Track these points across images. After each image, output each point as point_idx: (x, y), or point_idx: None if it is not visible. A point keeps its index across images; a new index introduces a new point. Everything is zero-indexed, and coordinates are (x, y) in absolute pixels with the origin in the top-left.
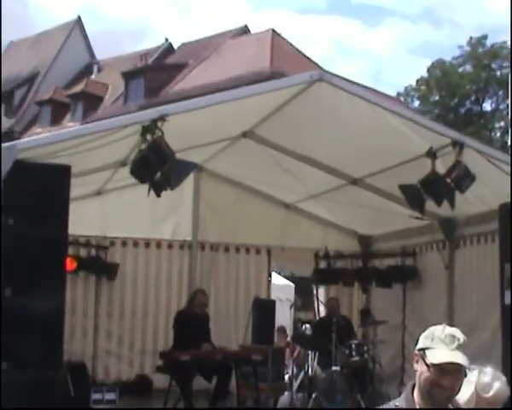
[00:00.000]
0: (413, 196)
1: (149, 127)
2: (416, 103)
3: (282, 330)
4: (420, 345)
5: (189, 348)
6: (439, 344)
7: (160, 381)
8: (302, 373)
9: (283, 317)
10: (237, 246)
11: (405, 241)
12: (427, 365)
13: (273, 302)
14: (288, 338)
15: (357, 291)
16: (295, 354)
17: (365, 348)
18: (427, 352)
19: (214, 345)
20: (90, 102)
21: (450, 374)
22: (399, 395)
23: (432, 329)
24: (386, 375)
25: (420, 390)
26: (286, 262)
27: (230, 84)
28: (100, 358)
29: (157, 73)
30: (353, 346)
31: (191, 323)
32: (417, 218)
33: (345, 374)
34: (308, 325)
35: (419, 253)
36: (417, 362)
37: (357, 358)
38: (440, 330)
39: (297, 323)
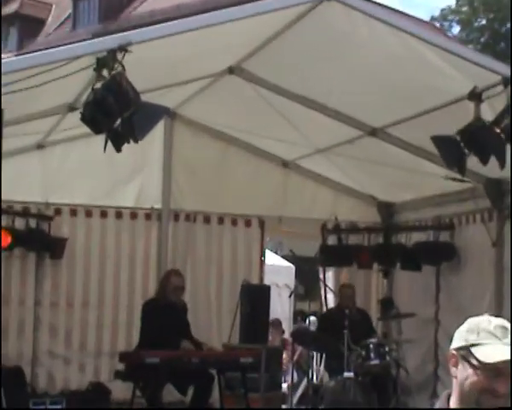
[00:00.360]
0: (450, 150)
1: (106, 60)
2: (456, 30)
3: (277, 323)
4: (460, 342)
5: (160, 347)
6: (489, 339)
7: (121, 390)
8: (305, 381)
9: (281, 308)
10: (221, 216)
11: (440, 210)
12: (473, 366)
13: (267, 289)
14: (286, 335)
15: (376, 275)
16: (296, 355)
17: (387, 348)
18: (472, 350)
19: (199, 342)
20: (28, 27)
21: (506, 376)
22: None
23: (474, 321)
24: (414, 383)
25: (462, 400)
26: (284, 237)
27: (211, 4)
28: (41, 361)
29: None
30: (371, 346)
31: (164, 314)
32: (455, 180)
33: (360, 382)
34: (313, 319)
35: (457, 225)
36: (456, 365)
37: (376, 361)
38: (486, 322)
39: (298, 316)
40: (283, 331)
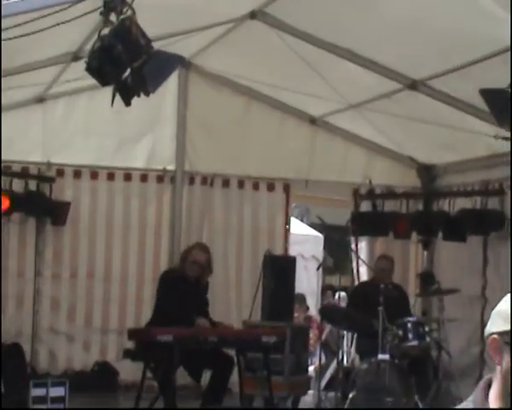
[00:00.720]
0: (501, 105)
1: (114, 3)
2: None
3: (301, 299)
4: (504, 325)
5: (175, 323)
6: None
7: (130, 371)
8: (334, 363)
9: (307, 282)
10: (241, 179)
11: (488, 173)
12: None
13: (293, 261)
14: (311, 311)
15: (415, 246)
16: (324, 335)
17: (426, 328)
18: None
19: (215, 323)
20: None
21: None
22: None
23: None
24: (457, 368)
25: (508, 394)
26: (311, 203)
27: None
28: (42, 338)
29: None
30: (409, 325)
31: (182, 288)
32: (507, 139)
33: (396, 365)
34: (343, 294)
35: (507, 190)
36: (498, 351)
37: (414, 342)
38: None
39: (327, 291)
40: (308, 308)
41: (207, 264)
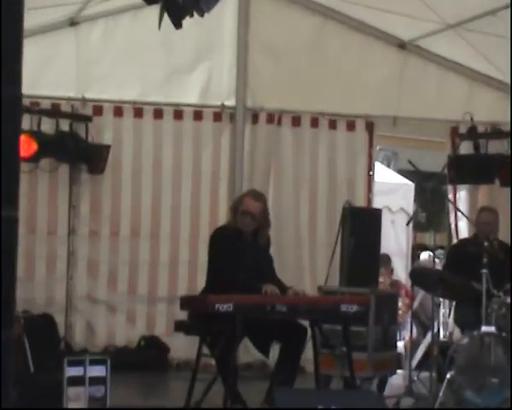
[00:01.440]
0: None
1: None
2: None
3: (386, 260)
4: None
5: (235, 290)
6: None
7: (182, 347)
8: (428, 337)
9: (395, 239)
10: (314, 116)
11: None
12: None
13: (378, 214)
14: (402, 276)
15: None
16: (416, 303)
17: None
18: None
19: (285, 286)
20: None
21: None
22: None
23: None
24: None
25: None
26: (400, 146)
27: None
28: (78, 308)
29: None
30: None
31: (240, 247)
32: None
33: (504, 339)
34: (438, 253)
35: None
36: None
37: None
38: None
39: (418, 250)
40: (392, 270)
41: (262, 215)
